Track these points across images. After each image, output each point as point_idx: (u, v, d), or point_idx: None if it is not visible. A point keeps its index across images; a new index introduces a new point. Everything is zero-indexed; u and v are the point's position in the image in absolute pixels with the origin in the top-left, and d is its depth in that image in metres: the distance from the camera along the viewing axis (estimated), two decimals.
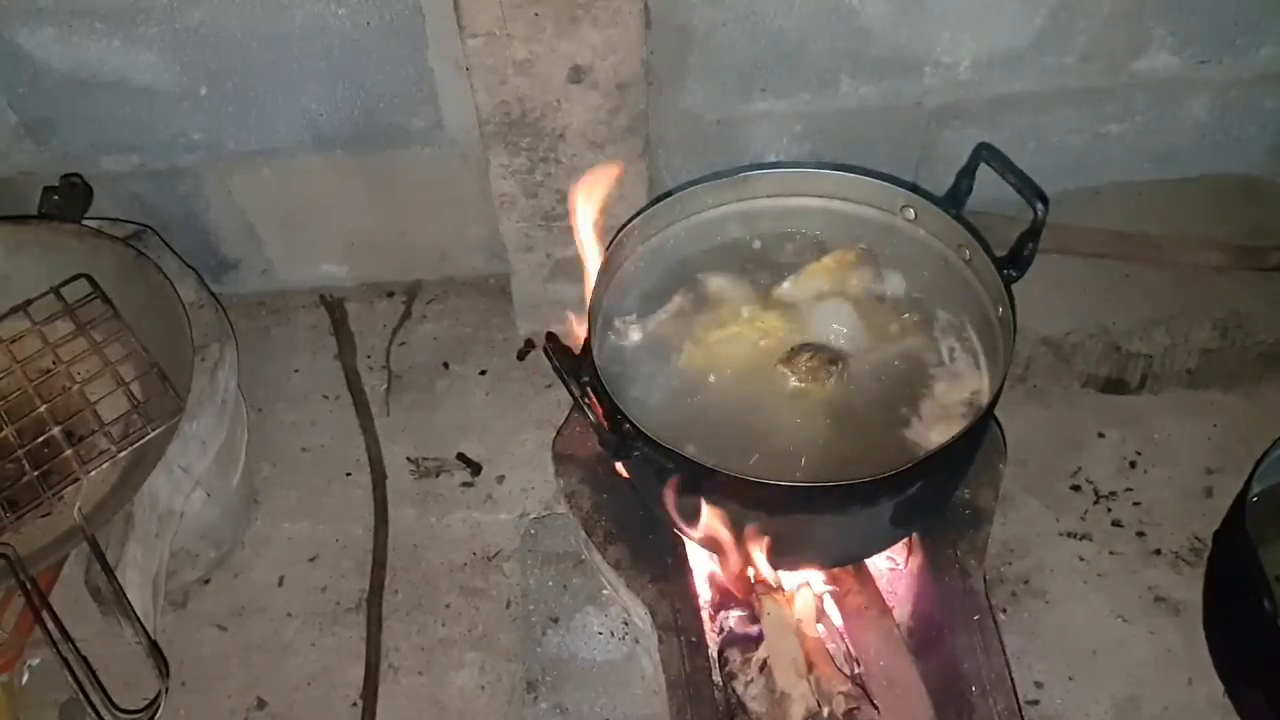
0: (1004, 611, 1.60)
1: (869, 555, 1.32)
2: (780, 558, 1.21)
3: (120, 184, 1.81)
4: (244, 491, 1.72)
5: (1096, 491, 1.74)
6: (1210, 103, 1.85)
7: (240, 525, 1.72)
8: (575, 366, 1.18)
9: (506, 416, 1.89)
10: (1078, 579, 1.64)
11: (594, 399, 1.15)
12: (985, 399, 1.17)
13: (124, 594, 1.30)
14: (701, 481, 1.12)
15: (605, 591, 1.56)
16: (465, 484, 1.81)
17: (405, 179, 1.88)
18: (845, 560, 1.30)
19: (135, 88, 1.68)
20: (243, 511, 1.73)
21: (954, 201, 1.26)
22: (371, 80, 1.72)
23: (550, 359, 1.15)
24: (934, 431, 1.19)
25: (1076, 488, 1.74)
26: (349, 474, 1.82)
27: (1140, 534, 1.69)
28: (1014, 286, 1.24)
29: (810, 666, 1.21)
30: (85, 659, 1.30)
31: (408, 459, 1.84)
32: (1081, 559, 1.66)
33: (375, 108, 1.76)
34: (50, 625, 1.28)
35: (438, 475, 1.82)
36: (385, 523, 1.75)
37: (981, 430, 1.17)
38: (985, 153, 1.20)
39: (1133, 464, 1.77)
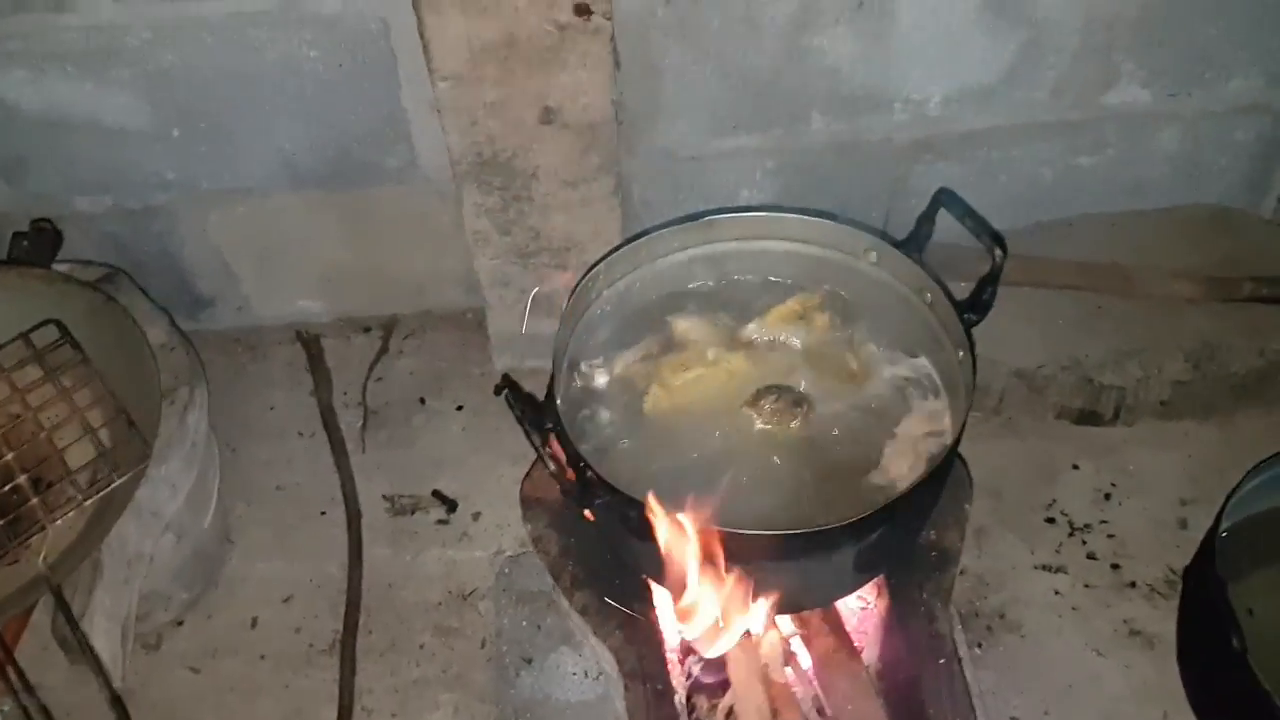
0: (979, 646, 1.60)
1: (835, 599, 1.32)
2: (745, 604, 1.20)
3: (94, 224, 1.82)
4: (216, 532, 1.71)
5: (1071, 524, 1.74)
6: (1181, 135, 1.87)
7: (213, 565, 1.71)
8: (538, 412, 1.18)
9: (483, 452, 1.88)
10: (1053, 613, 1.63)
11: (556, 446, 1.14)
12: (949, 440, 1.17)
13: (89, 644, 1.30)
14: (664, 530, 1.12)
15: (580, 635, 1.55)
16: (441, 521, 1.81)
17: (380, 216, 1.88)
18: (811, 605, 1.30)
19: (108, 129, 1.69)
20: (216, 551, 1.72)
21: (915, 245, 1.27)
22: (345, 120, 1.72)
23: (512, 407, 1.15)
24: (899, 473, 1.19)
25: (1051, 520, 1.74)
26: (324, 512, 1.81)
27: (1115, 566, 1.68)
28: (987, 320, 1.25)
29: (775, 713, 1.21)
30: (46, 709, 1.29)
31: (383, 496, 1.83)
32: (1056, 592, 1.66)
33: (349, 146, 1.76)
34: (13, 675, 1.27)
35: (413, 513, 1.82)
36: (360, 561, 1.75)
37: (944, 473, 1.17)
38: (944, 197, 1.20)
39: (1107, 496, 1.77)
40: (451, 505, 1.82)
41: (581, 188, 1.67)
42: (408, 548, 1.77)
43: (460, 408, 1.96)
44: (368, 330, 2.07)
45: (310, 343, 2.04)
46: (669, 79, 1.68)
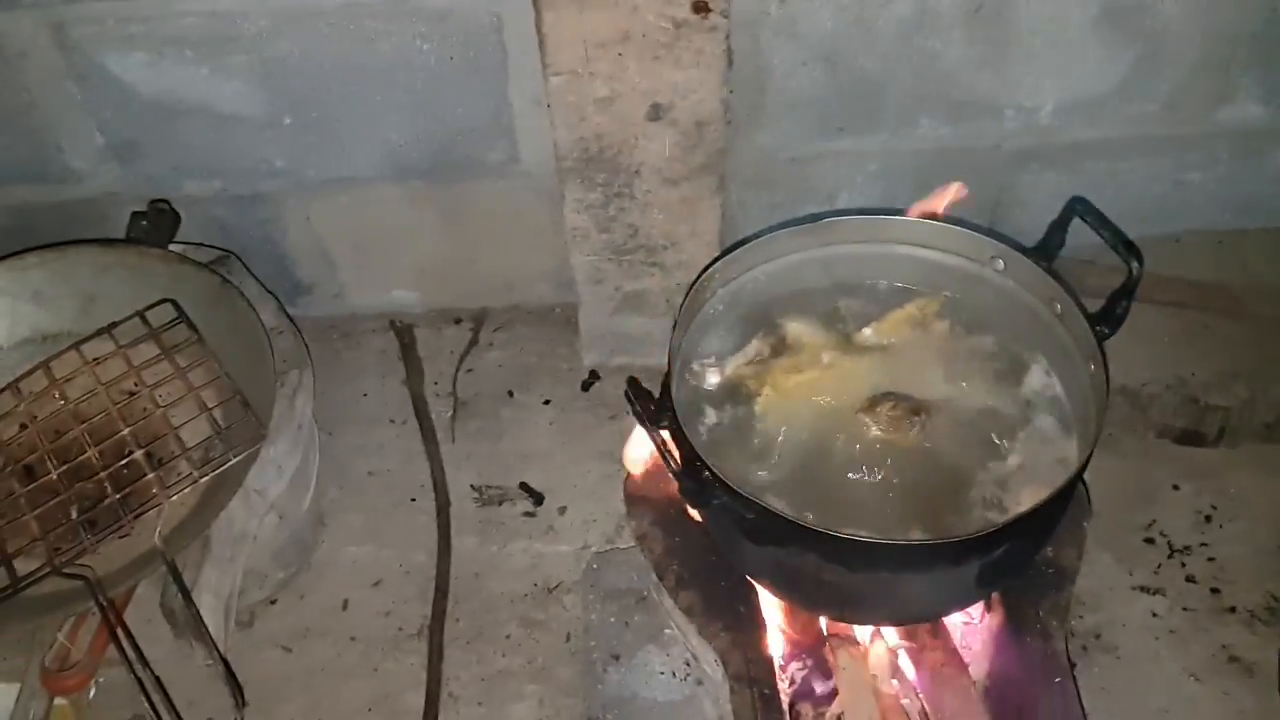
0: (1074, 666, 1.57)
1: (948, 614, 1.30)
2: (857, 613, 1.19)
3: (201, 207, 1.84)
4: (313, 514, 1.73)
5: (1170, 545, 1.70)
6: None
7: (308, 547, 1.74)
8: (654, 410, 1.18)
9: (569, 447, 1.89)
10: (1150, 635, 1.60)
11: (673, 443, 1.14)
12: (1072, 456, 1.15)
13: (201, 619, 1.32)
14: (782, 533, 1.11)
15: (667, 631, 1.55)
16: (527, 514, 1.81)
17: (478, 209, 1.90)
18: (924, 618, 1.28)
19: (221, 114, 1.71)
20: (310, 534, 1.74)
21: (1045, 254, 1.24)
22: (451, 113, 1.74)
23: (631, 403, 1.15)
24: (1018, 489, 1.17)
25: (1150, 541, 1.71)
26: (413, 499, 1.83)
27: (1214, 590, 1.65)
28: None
29: None
30: (160, 681, 1.32)
31: (471, 486, 1.85)
32: (1154, 614, 1.62)
33: (453, 140, 1.78)
34: (127, 647, 1.29)
35: (500, 504, 1.83)
36: (448, 549, 1.76)
37: (1070, 491, 1.15)
38: (1080, 207, 1.18)
39: (1208, 518, 1.73)
40: (538, 498, 1.83)
41: (683, 186, 1.67)
42: (495, 538, 1.78)
43: (547, 402, 1.96)
44: (458, 322, 2.09)
45: (403, 332, 2.06)
46: (777, 79, 1.68)
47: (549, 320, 2.09)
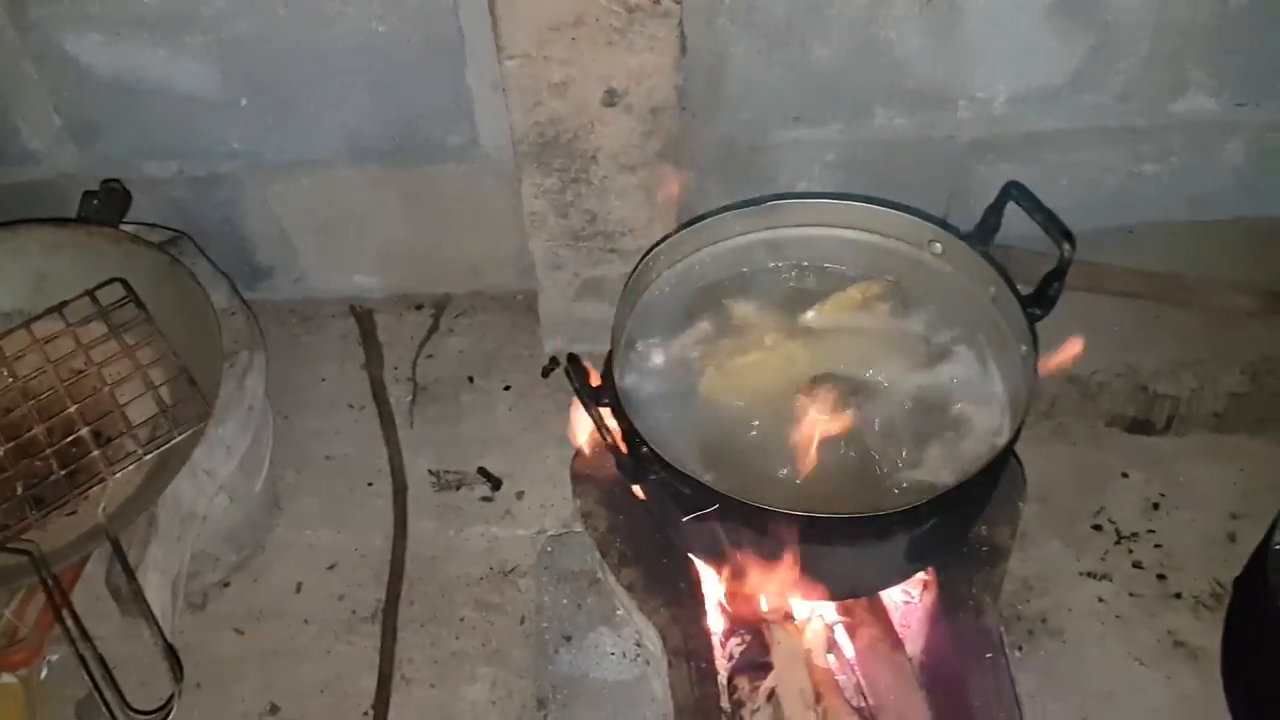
0: (1020, 650, 1.58)
1: (883, 589, 1.32)
2: (792, 588, 1.20)
3: (160, 189, 1.85)
4: (267, 497, 1.73)
5: (1118, 532, 1.72)
6: (1247, 146, 1.84)
7: (262, 530, 1.74)
8: (595, 388, 1.19)
9: (529, 433, 1.90)
10: (1096, 620, 1.62)
11: (612, 421, 1.15)
12: (1005, 436, 1.16)
13: (143, 595, 1.32)
14: (718, 508, 1.12)
15: (619, 612, 1.56)
16: (485, 498, 1.82)
17: (439, 194, 1.90)
18: (859, 593, 1.30)
19: (178, 95, 1.71)
20: (265, 517, 1.75)
21: (981, 238, 1.26)
22: (410, 96, 1.74)
23: (570, 379, 1.16)
24: (952, 467, 1.19)
25: (1098, 527, 1.73)
26: (370, 484, 1.84)
27: (1161, 577, 1.67)
28: (1041, 323, 1.24)
29: (819, 698, 1.21)
30: (102, 658, 1.32)
31: (429, 471, 1.85)
32: (1101, 600, 1.64)
33: (413, 123, 1.78)
34: (70, 623, 1.30)
35: (458, 488, 1.83)
36: (404, 533, 1.77)
37: (999, 468, 1.17)
38: (1014, 191, 1.20)
39: (1156, 506, 1.75)
40: (496, 483, 1.83)
41: (640, 172, 1.67)
42: (452, 523, 1.79)
43: (508, 388, 1.97)
44: (420, 308, 2.09)
45: (363, 317, 2.06)
46: (733, 67, 1.68)
47: (511, 306, 2.10)
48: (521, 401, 1.95)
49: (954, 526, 1.25)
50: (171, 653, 1.31)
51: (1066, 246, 1.14)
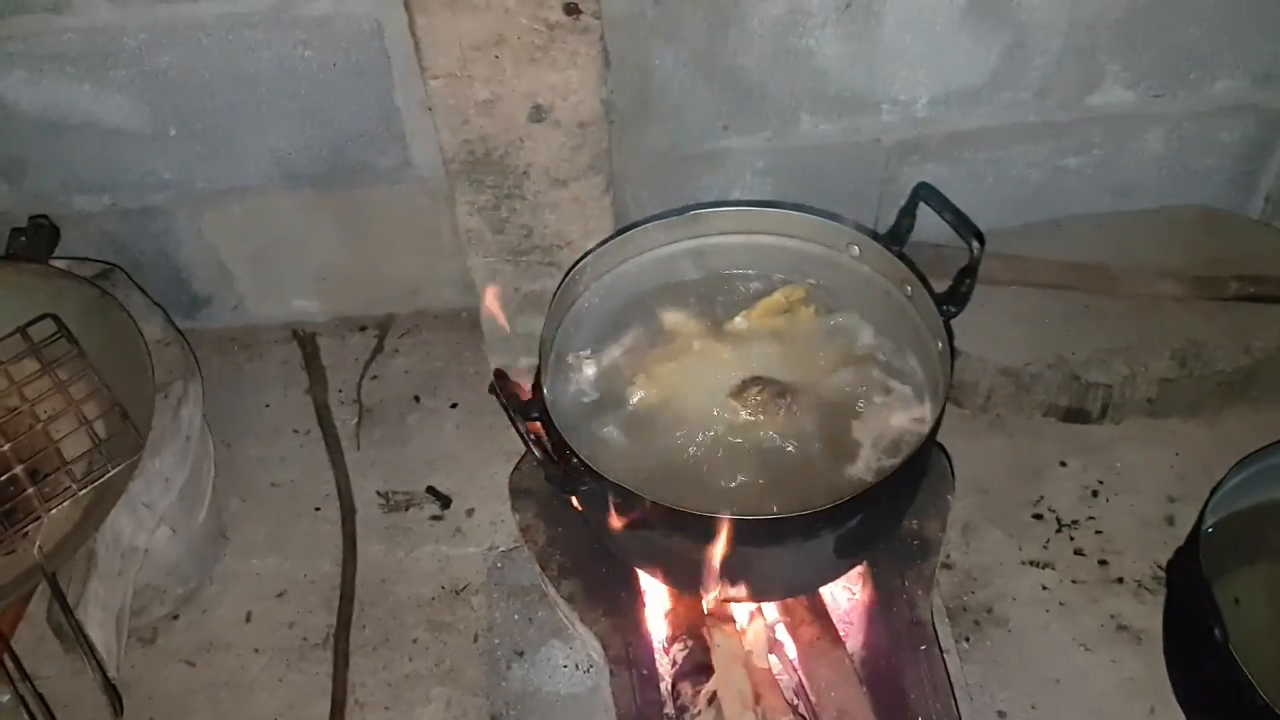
0: (967, 640, 1.61)
1: (817, 587, 1.33)
2: (729, 590, 1.22)
3: (92, 223, 1.84)
4: (211, 527, 1.72)
5: (1059, 520, 1.75)
6: (1166, 136, 1.89)
7: (208, 561, 1.73)
8: (525, 402, 1.20)
9: (477, 449, 1.90)
10: (1040, 608, 1.65)
11: (542, 434, 1.16)
12: (926, 429, 1.19)
13: (83, 631, 1.31)
14: (648, 515, 1.13)
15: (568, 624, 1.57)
16: (434, 518, 1.82)
17: (375, 215, 1.91)
18: (793, 592, 1.31)
19: (106, 129, 1.71)
20: (210, 547, 1.74)
21: (895, 239, 1.29)
22: (339, 120, 1.75)
23: (497, 395, 1.17)
24: (879, 462, 1.21)
25: (1039, 516, 1.75)
26: (318, 509, 1.83)
27: (1102, 562, 1.70)
28: (974, 318, 1.27)
29: (758, 698, 1.22)
30: (42, 697, 1.31)
31: (377, 493, 1.85)
32: (1044, 588, 1.67)
33: (344, 146, 1.79)
34: (10, 664, 1.29)
35: (407, 509, 1.83)
36: (354, 557, 1.76)
37: (922, 462, 1.19)
38: (924, 192, 1.22)
39: (1095, 493, 1.78)
40: (445, 502, 1.83)
41: (572, 186, 1.68)
42: (401, 544, 1.79)
43: (454, 405, 1.97)
44: (363, 329, 2.09)
45: (306, 341, 2.06)
46: (659, 79, 1.71)
47: (455, 324, 2.10)
48: (469, 419, 1.95)
49: (882, 521, 1.27)
50: (110, 688, 1.31)
51: (975, 244, 1.16)
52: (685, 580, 1.24)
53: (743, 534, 1.11)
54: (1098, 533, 1.73)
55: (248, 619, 1.71)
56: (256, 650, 1.67)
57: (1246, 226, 1.97)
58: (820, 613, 1.34)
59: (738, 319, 1.38)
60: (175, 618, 1.70)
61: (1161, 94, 1.82)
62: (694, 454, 1.25)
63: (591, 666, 1.55)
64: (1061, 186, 1.93)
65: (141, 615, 1.62)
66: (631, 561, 1.29)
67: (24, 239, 1.64)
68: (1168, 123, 1.87)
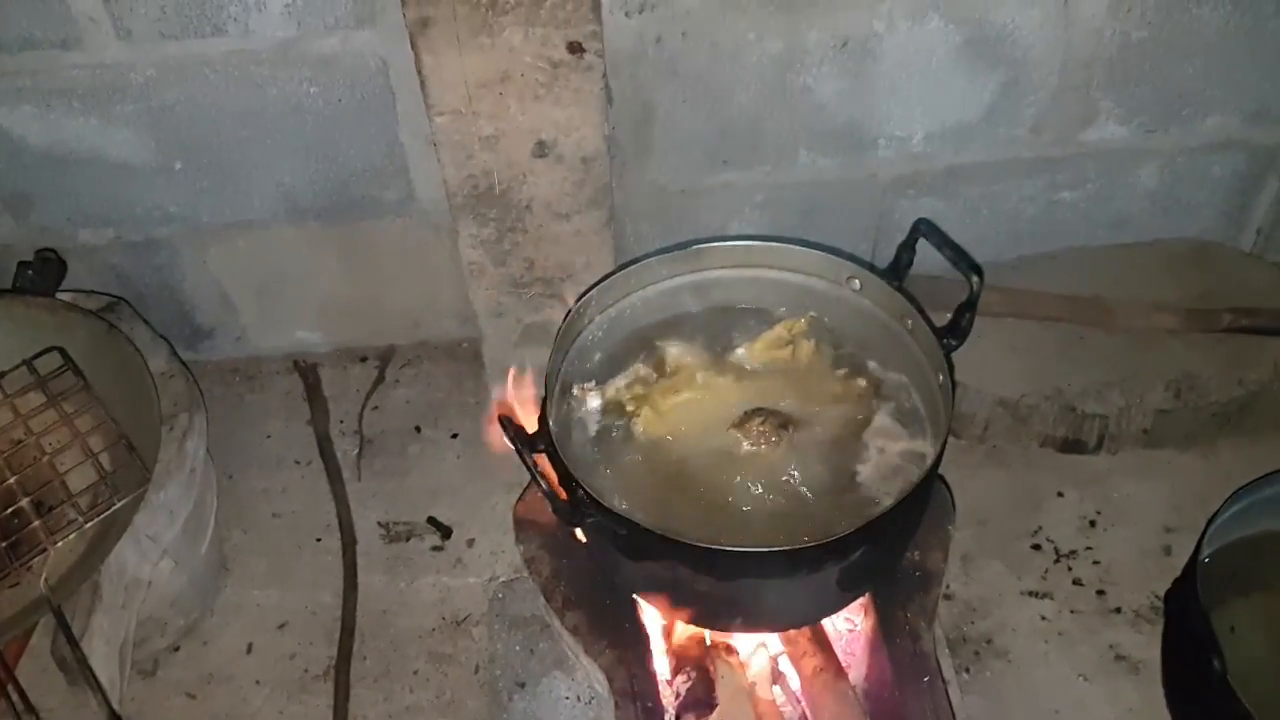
0: (967, 671, 1.61)
1: (820, 619, 1.34)
2: (732, 621, 1.23)
3: (97, 256, 1.86)
4: (213, 559, 1.73)
5: (1057, 551, 1.76)
6: (1159, 171, 1.92)
7: (209, 593, 1.73)
8: (531, 435, 1.21)
9: (477, 480, 1.91)
10: (1039, 639, 1.66)
11: (548, 466, 1.17)
12: (928, 462, 1.20)
13: (88, 664, 1.32)
14: (653, 547, 1.14)
15: (573, 656, 1.57)
16: (435, 548, 1.83)
17: (378, 248, 1.92)
18: (796, 624, 1.32)
19: (112, 163, 1.73)
20: (212, 579, 1.74)
21: (896, 273, 1.30)
22: (344, 154, 1.77)
23: (504, 428, 1.18)
24: (881, 494, 1.22)
25: (1037, 547, 1.77)
26: (319, 540, 1.84)
27: (1100, 593, 1.71)
28: (971, 350, 1.28)
29: None
30: None
31: (378, 524, 1.86)
32: (1043, 618, 1.68)
33: (348, 180, 1.81)
34: (15, 696, 1.29)
35: (408, 540, 1.84)
36: (354, 588, 1.77)
37: (924, 493, 1.20)
38: (923, 227, 1.24)
39: (1092, 523, 1.79)
40: (446, 532, 1.84)
41: (575, 220, 1.71)
42: (402, 575, 1.79)
43: (455, 436, 1.98)
44: (364, 360, 2.10)
45: (307, 372, 2.07)
46: (660, 115, 1.73)
47: (456, 355, 2.12)
48: (470, 450, 1.96)
49: (885, 553, 1.28)
50: (116, 718, 1.31)
51: (975, 279, 1.18)
52: (689, 612, 1.25)
53: (748, 566, 1.12)
54: (1095, 563, 1.74)
55: (249, 650, 1.71)
56: (257, 682, 1.67)
57: (1239, 259, 2.00)
58: (824, 644, 1.34)
59: (740, 351, 1.39)
60: (176, 649, 1.70)
61: (1154, 130, 1.85)
62: (697, 485, 1.26)
63: (594, 698, 1.55)
64: (1056, 220, 1.95)
65: (143, 647, 1.62)
66: (636, 593, 1.29)
67: (31, 272, 1.65)
68: (1161, 158, 1.90)
